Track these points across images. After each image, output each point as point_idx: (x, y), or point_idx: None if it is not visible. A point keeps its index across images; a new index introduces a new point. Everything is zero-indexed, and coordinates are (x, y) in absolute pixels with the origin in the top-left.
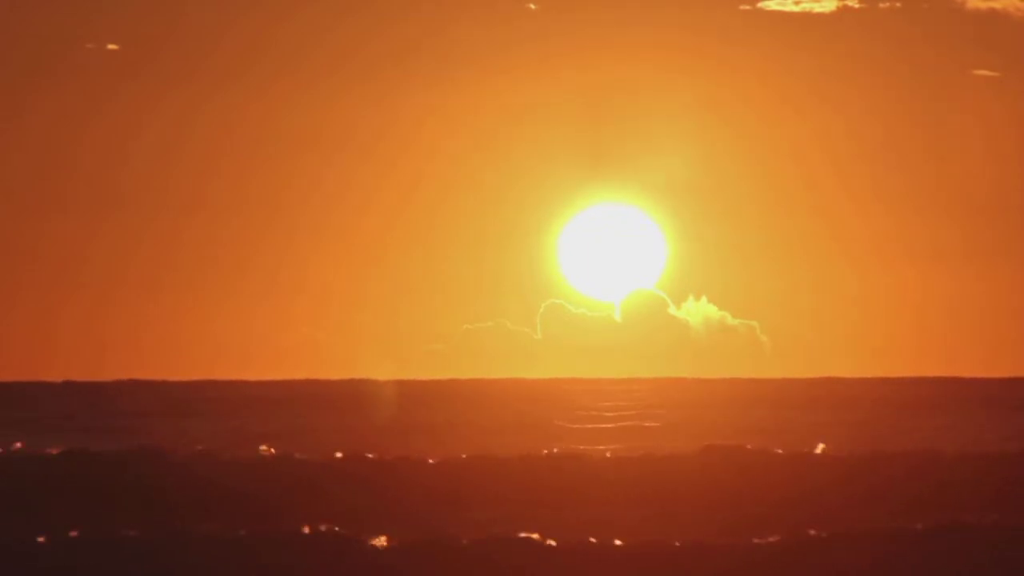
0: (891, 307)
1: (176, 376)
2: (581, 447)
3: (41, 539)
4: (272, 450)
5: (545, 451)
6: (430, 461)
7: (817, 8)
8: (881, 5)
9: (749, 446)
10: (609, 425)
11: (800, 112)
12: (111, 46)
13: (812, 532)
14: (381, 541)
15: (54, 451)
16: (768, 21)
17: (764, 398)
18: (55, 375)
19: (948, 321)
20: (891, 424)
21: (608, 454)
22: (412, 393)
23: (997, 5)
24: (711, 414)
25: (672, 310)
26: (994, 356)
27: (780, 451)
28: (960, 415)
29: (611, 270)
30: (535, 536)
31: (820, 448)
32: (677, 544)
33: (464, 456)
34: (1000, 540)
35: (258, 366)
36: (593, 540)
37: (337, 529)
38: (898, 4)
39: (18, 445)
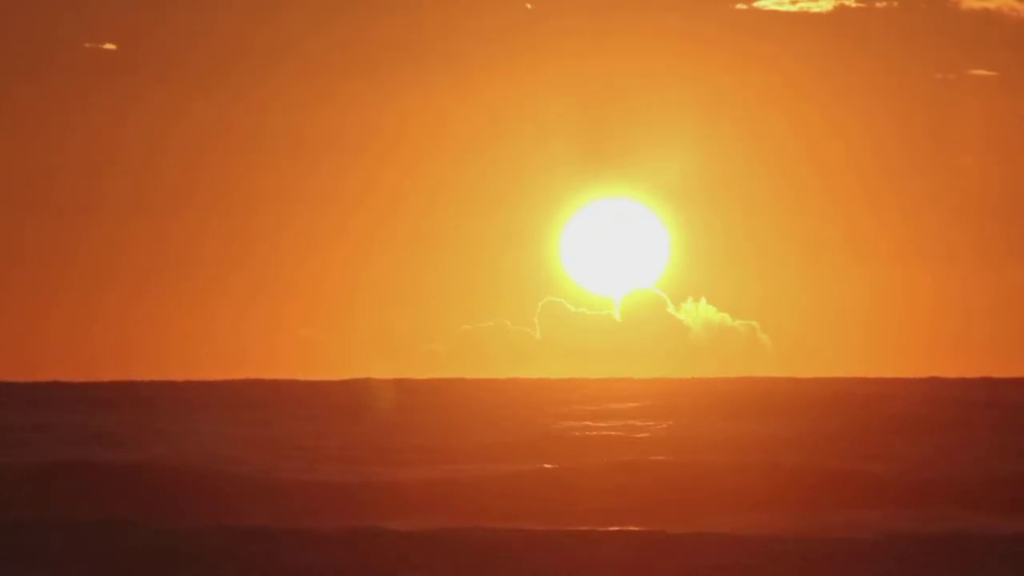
0: (885, 306)
1: (171, 376)
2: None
3: None
4: None
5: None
6: None
7: (814, 8)
8: (878, 5)
9: None
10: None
11: (798, 112)
12: (108, 45)
13: None
14: None
15: None
16: (765, 20)
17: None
18: (43, 376)
19: (945, 320)
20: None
21: None
22: (409, 393)
23: (992, 5)
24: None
25: (671, 310)
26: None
27: None
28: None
29: (612, 266)
30: None
31: None
32: None
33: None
34: None
35: (253, 366)
36: None
37: None
38: (895, 4)
39: None
